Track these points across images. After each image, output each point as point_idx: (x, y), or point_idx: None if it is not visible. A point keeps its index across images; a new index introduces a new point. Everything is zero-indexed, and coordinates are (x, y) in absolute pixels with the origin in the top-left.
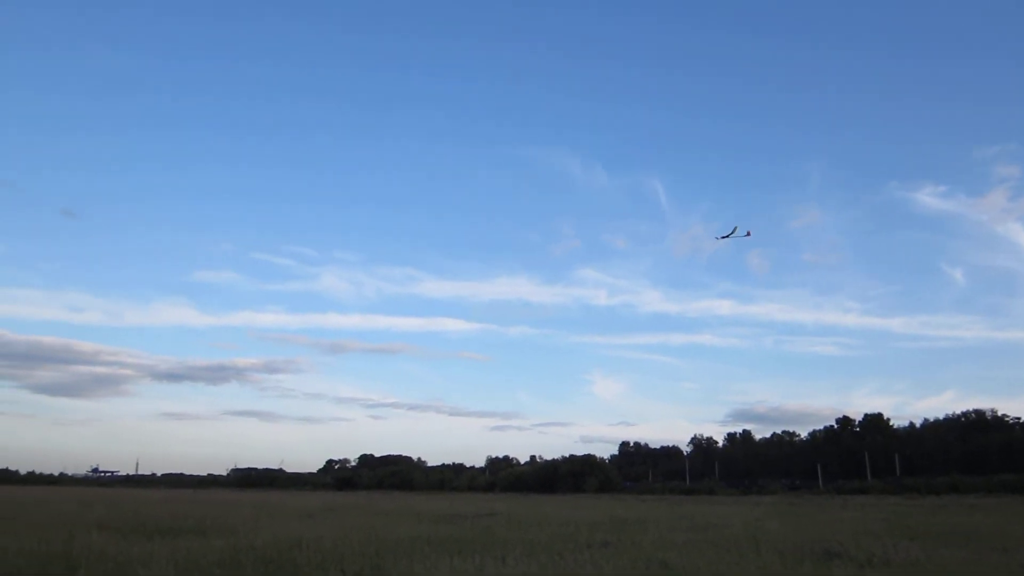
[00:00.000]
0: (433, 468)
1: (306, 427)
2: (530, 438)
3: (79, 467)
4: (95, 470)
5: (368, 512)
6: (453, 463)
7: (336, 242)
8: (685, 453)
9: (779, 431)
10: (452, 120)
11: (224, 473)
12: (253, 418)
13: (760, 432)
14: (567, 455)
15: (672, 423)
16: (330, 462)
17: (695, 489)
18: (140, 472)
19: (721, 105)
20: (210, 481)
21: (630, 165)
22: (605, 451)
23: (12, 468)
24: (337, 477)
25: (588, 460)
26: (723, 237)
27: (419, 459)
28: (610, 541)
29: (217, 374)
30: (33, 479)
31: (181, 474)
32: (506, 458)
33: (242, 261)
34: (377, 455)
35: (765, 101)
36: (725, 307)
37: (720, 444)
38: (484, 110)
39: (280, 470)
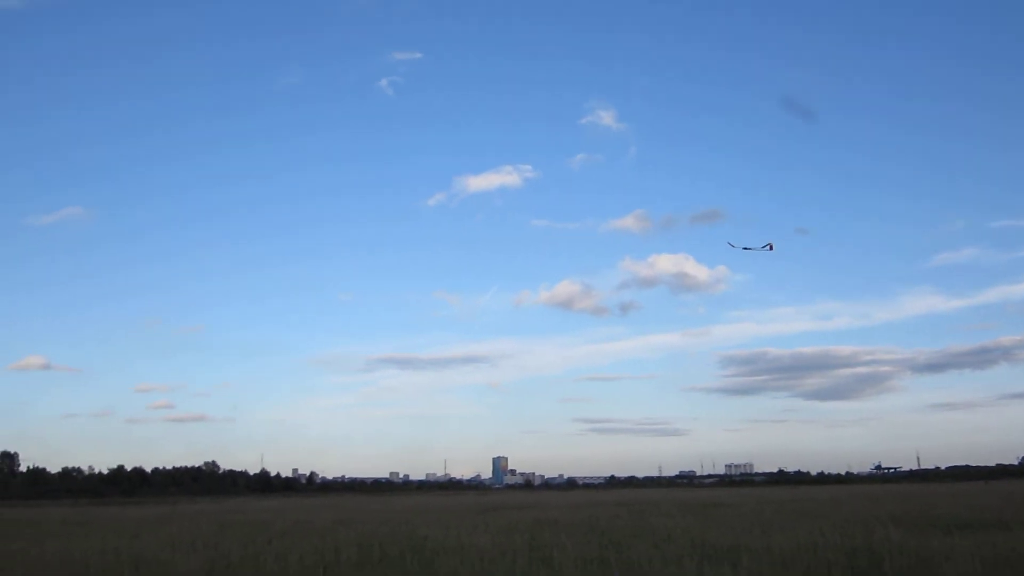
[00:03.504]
0: None
1: None
2: None
3: (862, 465)
4: (877, 467)
5: None
6: None
7: None
8: None
9: None
10: None
11: (1015, 462)
12: None
13: None
14: None
15: None
16: None
17: None
18: (922, 466)
19: None
20: (999, 471)
21: None
22: None
23: (803, 470)
24: None
25: None
26: (745, 248)
27: None
28: None
29: (980, 357)
30: (823, 479)
31: (967, 466)
32: None
33: (980, 233)
34: None
35: None
36: None
37: None
38: None
39: None
